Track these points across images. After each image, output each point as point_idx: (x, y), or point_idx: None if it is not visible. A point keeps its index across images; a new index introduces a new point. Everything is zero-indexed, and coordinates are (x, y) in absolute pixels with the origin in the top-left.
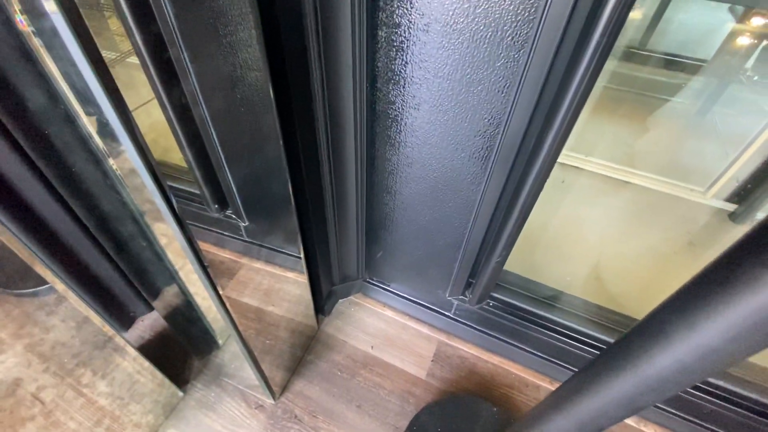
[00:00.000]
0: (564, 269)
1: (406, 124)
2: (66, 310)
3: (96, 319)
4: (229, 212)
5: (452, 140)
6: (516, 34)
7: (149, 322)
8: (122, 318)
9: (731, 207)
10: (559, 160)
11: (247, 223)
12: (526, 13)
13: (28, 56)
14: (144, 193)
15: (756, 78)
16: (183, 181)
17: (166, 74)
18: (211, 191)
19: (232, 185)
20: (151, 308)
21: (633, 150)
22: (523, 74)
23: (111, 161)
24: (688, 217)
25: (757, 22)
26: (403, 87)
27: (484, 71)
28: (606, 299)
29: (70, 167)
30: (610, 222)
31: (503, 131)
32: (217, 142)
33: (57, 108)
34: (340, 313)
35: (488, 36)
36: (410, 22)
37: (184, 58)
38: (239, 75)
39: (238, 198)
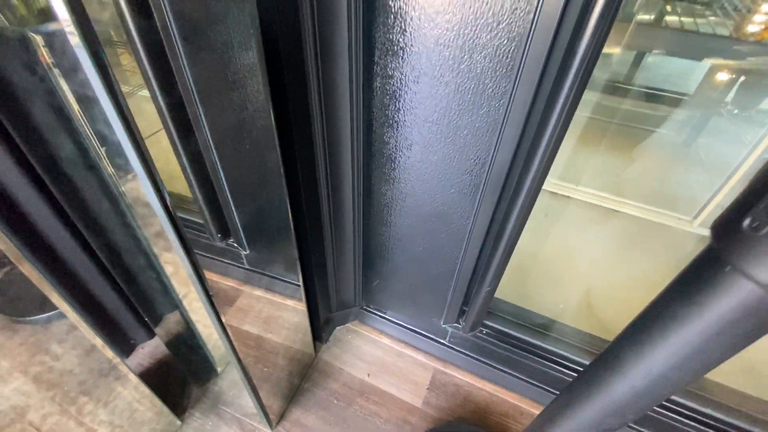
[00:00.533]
0: (556, 297)
1: (399, 162)
2: (75, 338)
3: (103, 348)
4: (231, 241)
5: (442, 177)
6: (496, 86)
7: (149, 350)
8: (123, 345)
9: None
10: (550, 189)
11: (248, 252)
12: (504, 69)
13: (61, 111)
14: (155, 226)
15: (736, 111)
16: (187, 211)
17: (184, 129)
18: (216, 222)
19: (236, 217)
20: (150, 336)
21: (621, 179)
22: (503, 121)
23: (127, 198)
24: (676, 245)
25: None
26: (397, 130)
27: (468, 118)
28: (597, 327)
29: (89, 205)
30: (600, 250)
31: (488, 170)
32: (224, 180)
33: (84, 156)
34: (337, 341)
35: (471, 87)
36: (402, 74)
37: (200, 114)
38: (247, 121)
39: (240, 228)
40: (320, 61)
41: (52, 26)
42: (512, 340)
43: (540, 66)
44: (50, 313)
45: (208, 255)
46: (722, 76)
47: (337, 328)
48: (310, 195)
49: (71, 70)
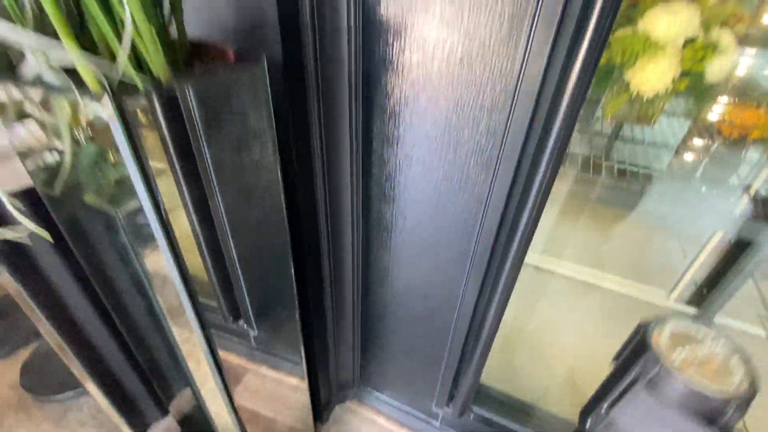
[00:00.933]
0: (540, 375)
1: (392, 271)
2: (95, 419)
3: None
4: (241, 323)
5: (426, 286)
6: (465, 227)
7: (162, 429)
8: (140, 424)
9: (692, 310)
10: (534, 263)
11: (256, 333)
12: (471, 218)
13: (126, 259)
14: (177, 307)
15: (704, 188)
16: (201, 294)
17: (206, 225)
18: (228, 306)
19: (248, 302)
20: (164, 414)
21: (600, 253)
22: (474, 250)
23: (160, 301)
24: None
25: (697, 142)
26: (389, 252)
27: (447, 242)
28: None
29: (131, 314)
30: (581, 327)
31: (465, 282)
32: (240, 271)
33: (136, 282)
34: (336, 420)
35: (448, 228)
36: (394, 200)
37: (225, 228)
38: (261, 218)
39: (251, 312)
40: (329, 202)
41: (131, 204)
42: (498, 425)
43: (504, 197)
44: (72, 392)
45: (219, 334)
46: (688, 157)
47: (337, 406)
48: (315, 285)
49: (144, 241)
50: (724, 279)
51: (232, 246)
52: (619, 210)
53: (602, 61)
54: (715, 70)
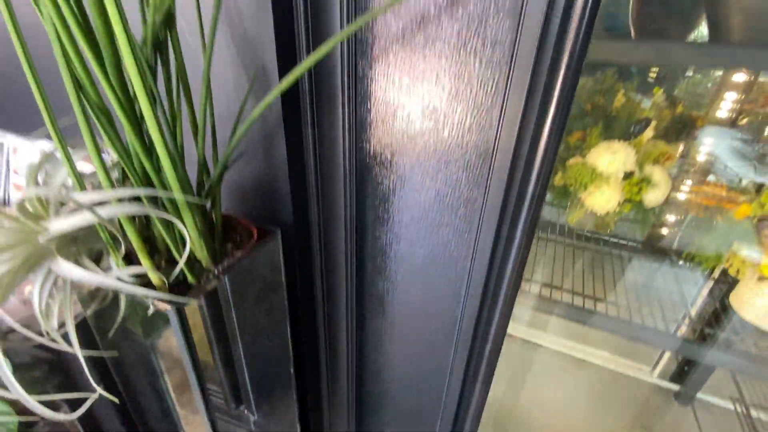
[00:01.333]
0: None
1: (383, 371)
2: None
3: None
4: (242, 407)
5: (415, 389)
6: (448, 311)
7: None
8: None
9: (675, 387)
10: (519, 335)
11: (256, 418)
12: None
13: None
14: (189, 398)
15: (681, 263)
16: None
17: (222, 345)
18: (232, 394)
19: (250, 392)
20: None
21: (586, 326)
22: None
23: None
24: (638, 397)
25: (670, 218)
26: (382, 350)
27: (432, 346)
28: None
29: (138, 395)
30: (569, 404)
31: (448, 376)
32: (245, 367)
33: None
34: None
35: (434, 331)
36: (384, 314)
37: (239, 347)
38: (269, 341)
39: (252, 400)
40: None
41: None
42: None
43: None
44: None
45: (220, 416)
46: (664, 230)
47: None
48: (313, 390)
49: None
50: (698, 358)
51: (242, 353)
52: (605, 279)
53: (560, 182)
54: (651, 199)
